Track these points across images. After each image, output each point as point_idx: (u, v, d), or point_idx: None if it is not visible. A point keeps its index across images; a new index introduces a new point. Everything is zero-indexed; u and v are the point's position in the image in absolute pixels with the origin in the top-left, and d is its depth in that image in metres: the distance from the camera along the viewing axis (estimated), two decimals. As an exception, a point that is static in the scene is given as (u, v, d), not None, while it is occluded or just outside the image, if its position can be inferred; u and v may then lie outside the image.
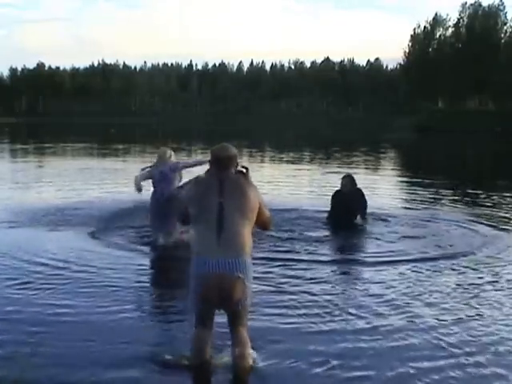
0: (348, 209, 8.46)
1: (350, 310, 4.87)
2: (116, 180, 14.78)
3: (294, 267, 6.22)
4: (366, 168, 19.79)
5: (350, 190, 8.59)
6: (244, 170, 3.72)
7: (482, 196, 12.53)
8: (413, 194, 12.92)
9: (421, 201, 11.71)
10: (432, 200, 11.88)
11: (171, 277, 6.35)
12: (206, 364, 3.60)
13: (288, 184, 14.28)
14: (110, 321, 4.60)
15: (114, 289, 5.44)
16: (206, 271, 3.40)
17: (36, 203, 10.55)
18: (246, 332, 3.59)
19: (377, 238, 7.72)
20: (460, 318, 4.75)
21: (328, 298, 5.21)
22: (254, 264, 3.65)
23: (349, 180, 8.71)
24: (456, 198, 12.38)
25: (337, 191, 8.82)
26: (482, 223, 8.98)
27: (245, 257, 3.45)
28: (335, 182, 13.50)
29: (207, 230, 3.46)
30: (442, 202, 11.71)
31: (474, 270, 6.32)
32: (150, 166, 7.73)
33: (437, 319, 4.71)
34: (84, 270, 6.10)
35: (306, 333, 4.38)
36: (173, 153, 7.77)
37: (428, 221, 9.20)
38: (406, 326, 4.56)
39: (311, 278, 5.81)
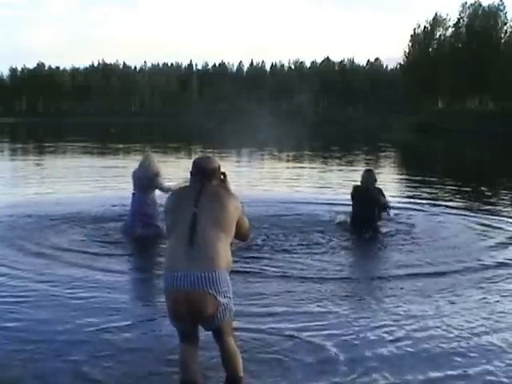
0: (368, 204, 8.18)
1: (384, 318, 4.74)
2: (109, 178, 15.08)
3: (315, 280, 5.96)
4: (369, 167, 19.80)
5: (369, 185, 8.29)
6: (222, 177, 3.59)
7: (493, 194, 12.64)
8: (420, 192, 12.92)
9: (429, 198, 11.73)
10: (441, 198, 11.93)
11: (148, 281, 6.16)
12: (195, 382, 3.46)
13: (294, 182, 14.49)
14: (88, 332, 4.41)
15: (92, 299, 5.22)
16: (173, 286, 3.23)
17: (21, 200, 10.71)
18: (233, 342, 3.46)
19: (401, 244, 7.52)
20: (499, 327, 4.60)
21: (354, 308, 5.02)
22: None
23: (368, 175, 8.45)
24: (467, 195, 12.49)
25: (356, 186, 8.46)
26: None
27: (217, 271, 3.22)
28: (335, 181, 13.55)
29: (178, 241, 3.29)
30: (455, 200, 11.74)
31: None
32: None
33: (476, 327, 4.58)
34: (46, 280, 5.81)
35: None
36: (154, 159, 7.79)
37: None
38: (442, 334, 4.42)
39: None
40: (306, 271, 6.15)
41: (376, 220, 8.20)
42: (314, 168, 19.35)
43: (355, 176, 16.26)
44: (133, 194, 7.87)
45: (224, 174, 3.62)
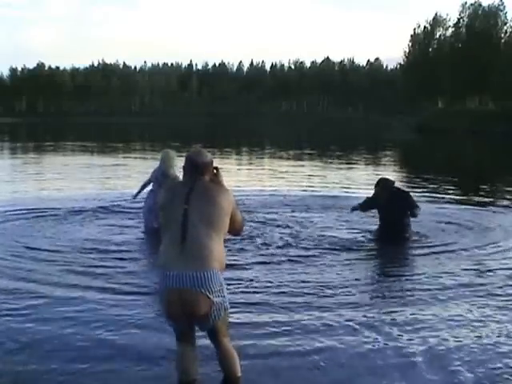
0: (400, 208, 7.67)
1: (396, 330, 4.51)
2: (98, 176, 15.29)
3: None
4: (372, 166, 19.77)
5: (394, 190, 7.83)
6: (214, 171, 3.51)
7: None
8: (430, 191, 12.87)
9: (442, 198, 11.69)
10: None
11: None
12: (193, 382, 3.44)
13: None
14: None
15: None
16: (166, 285, 3.21)
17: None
18: (229, 342, 3.43)
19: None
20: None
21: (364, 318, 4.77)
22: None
23: (389, 181, 7.94)
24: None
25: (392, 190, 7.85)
26: None
27: (210, 271, 3.19)
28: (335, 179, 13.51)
29: (171, 240, 3.26)
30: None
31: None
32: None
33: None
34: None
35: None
36: (169, 157, 7.78)
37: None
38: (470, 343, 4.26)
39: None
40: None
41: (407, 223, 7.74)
42: (316, 166, 19.30)
43: (358, 174, 16.36)
44: (151, 190, 7.92)
45: (217, 168, 3.55)
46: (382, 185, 7.83)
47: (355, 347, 4.14)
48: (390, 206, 7.64)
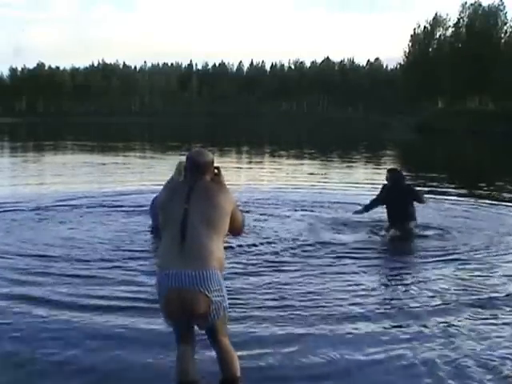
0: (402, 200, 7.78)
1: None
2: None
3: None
4: (372, 165, 19.77)
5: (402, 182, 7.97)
6: (216, 171, 3.51)
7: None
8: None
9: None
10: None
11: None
12: (192, 383, 3.42)
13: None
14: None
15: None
16: (165, 284, 3.21)
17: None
18: (228, 341, 3.43)
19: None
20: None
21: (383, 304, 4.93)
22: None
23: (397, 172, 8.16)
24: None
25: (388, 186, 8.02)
26: None
27: (209, 270, 3.19)
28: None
29: (171, 239, 3.26)
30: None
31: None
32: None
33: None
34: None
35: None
36: (179, 165, 7.46)
37: None
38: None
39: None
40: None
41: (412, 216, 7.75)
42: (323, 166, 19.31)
43: (358, 173, 16.37)
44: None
45: (218, 168, 3.54)
46: (389, 175, 7.99)
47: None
48: (391, 194, 7.77)
